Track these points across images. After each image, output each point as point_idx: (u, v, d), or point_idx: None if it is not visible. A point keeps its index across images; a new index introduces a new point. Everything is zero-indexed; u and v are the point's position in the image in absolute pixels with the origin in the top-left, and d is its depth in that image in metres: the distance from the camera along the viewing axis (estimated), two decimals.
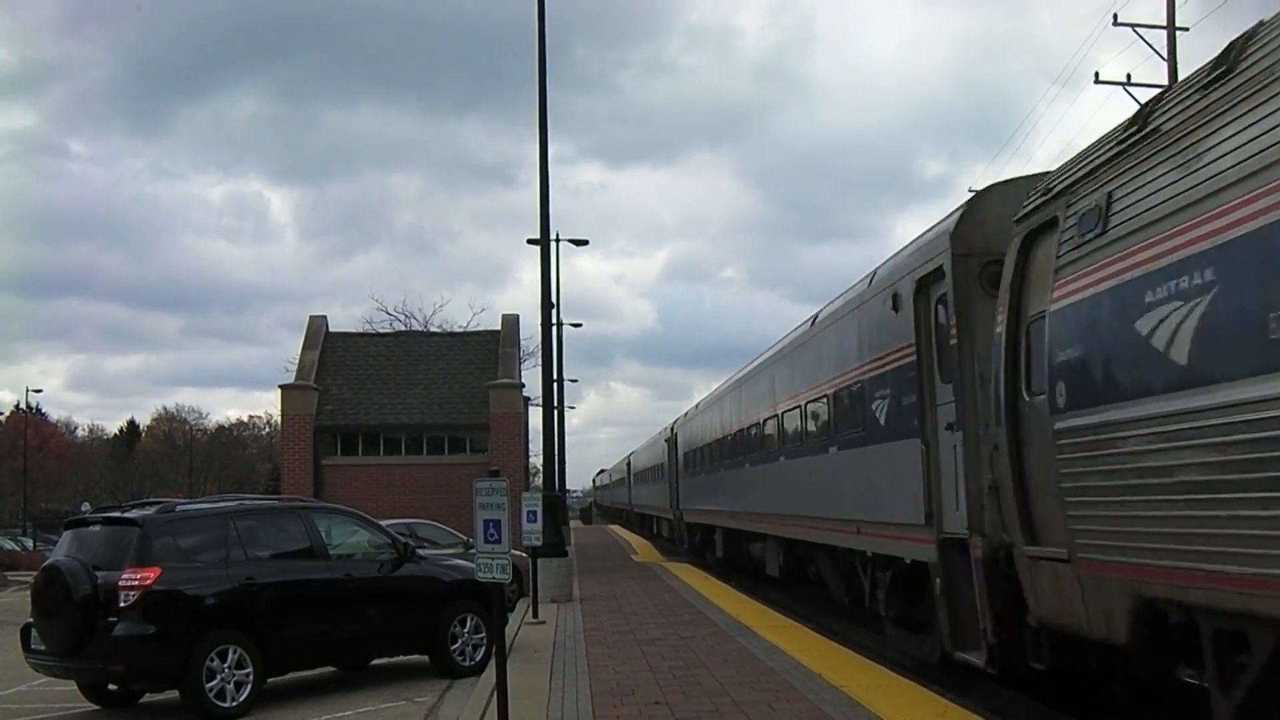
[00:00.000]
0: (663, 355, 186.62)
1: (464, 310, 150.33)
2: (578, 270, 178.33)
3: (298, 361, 35.16)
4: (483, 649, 12.51)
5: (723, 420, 24.44)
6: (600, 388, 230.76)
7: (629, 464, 62.27)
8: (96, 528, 11.26)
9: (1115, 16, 26.19)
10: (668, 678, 10.55)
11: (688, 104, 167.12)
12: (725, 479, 23.87)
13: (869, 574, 12.91)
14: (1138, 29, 26.28)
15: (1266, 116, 5.62)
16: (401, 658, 13.07)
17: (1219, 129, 6.06)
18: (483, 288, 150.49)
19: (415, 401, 33.66)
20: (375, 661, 13.08)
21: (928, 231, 11.22)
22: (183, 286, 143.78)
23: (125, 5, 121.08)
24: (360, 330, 45.23)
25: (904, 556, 11.28)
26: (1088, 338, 7.24)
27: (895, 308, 11.26)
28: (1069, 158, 8.39)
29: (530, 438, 43.05)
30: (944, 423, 10.09)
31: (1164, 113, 6.88)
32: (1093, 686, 9.60)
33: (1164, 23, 25.87)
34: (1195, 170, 6.19)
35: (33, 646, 10.85)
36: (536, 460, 46.47)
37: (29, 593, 11.45)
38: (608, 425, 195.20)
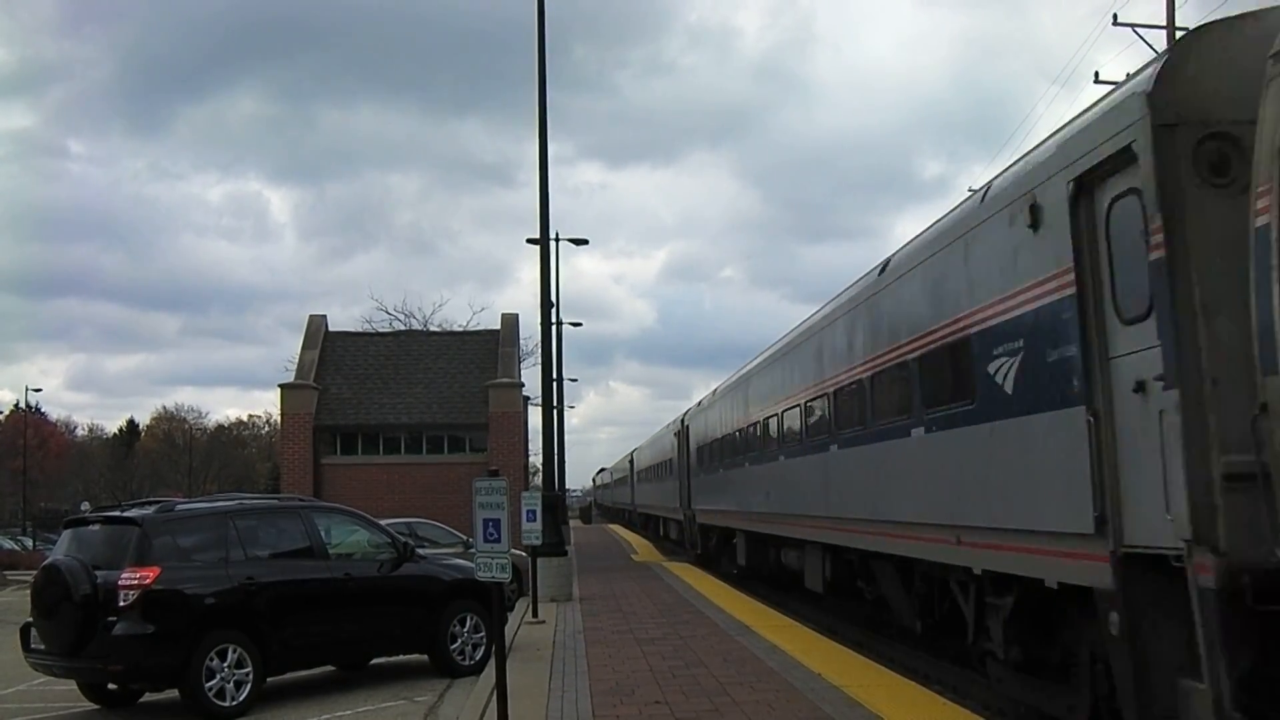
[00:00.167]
0: (662, 355, 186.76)
1: (464, 310, 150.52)
2: (577, 270, 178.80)
3: (297, 361, 35.16)
4: (482, 648, 12.51)
5: (748, 406, 21.08)
6: (600, 387, 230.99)
7: (632, 461, 58.55)
8: (96, 527, 11.26)
9: (1115, 17, 26.20)
10: (667, 677, 10.55)
11: (687, 104, 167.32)
12: (751, 475, 20.45)
13: (972, 598, 9.87)
14: (1137, 29, 26.29)
15: None
16: (401, 657, 13.07)
17: None
18: (482, 287, 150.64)
19: (415, 401, 33.67)
20: (375, 661, 13.08)
21: (1090, 110, 8.09)
22: (182, 286, 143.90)
23: (125, 5, 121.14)
24: (360, 330, 45.27)
25: (1045, 578, 8.18)
26: None
27: (1034, 224, 8.27)
28: None
29: (530, 437, 43.11)
30: (1129, 381, 7.09)
31: None
32: (1089, 685, 9.58)
33: (1164, 23, 25.86)
34: None
35: (32, 646, 10.85)
36: (536, 459, 46.54)
37: (28, 592, 11.46)
38: (607, 425, 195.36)
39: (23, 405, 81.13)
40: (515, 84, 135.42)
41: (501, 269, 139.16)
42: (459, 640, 12.59)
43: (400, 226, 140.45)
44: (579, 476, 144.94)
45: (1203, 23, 7.53)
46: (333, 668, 12.70)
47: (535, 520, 16.19)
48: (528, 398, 39.60)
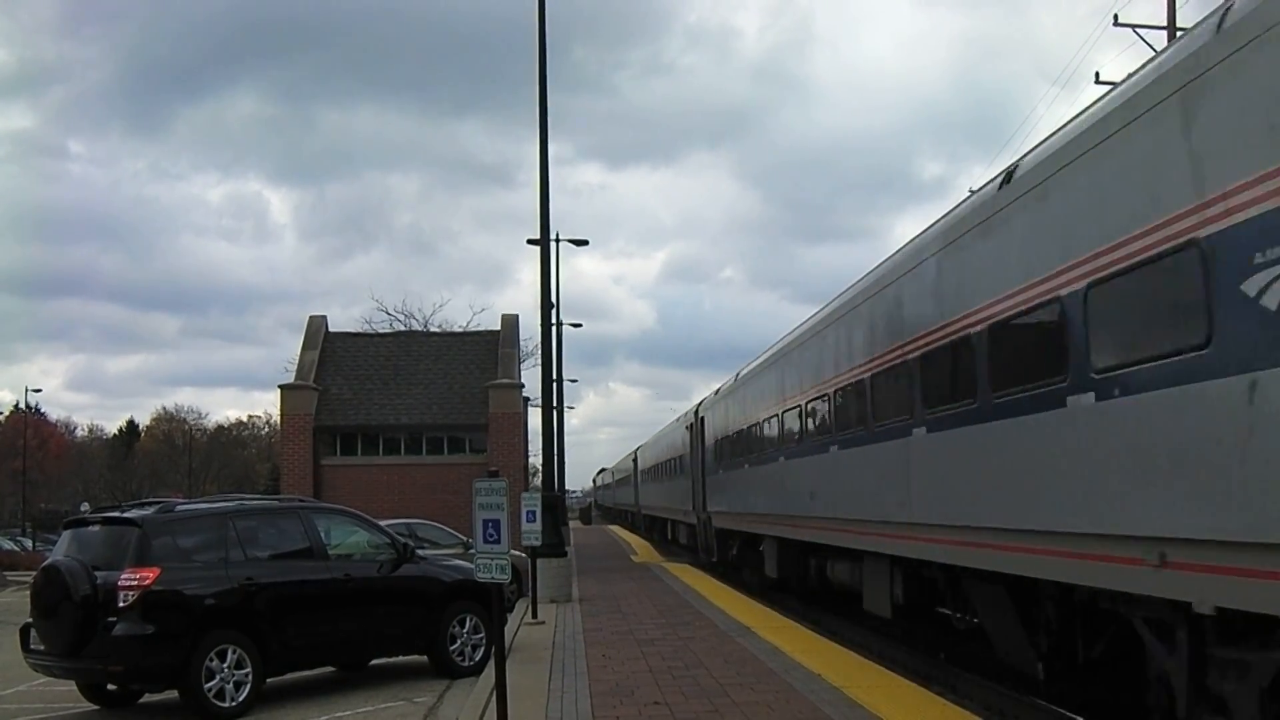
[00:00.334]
0: (662, 356, 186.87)
1: (464, 310, 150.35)
2: (577, 270, 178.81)
3: (297, 362, 35.19)
4: (482, 649, 12.52)
5: (783, 389, 17.78)
6: (600, 388, 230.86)
7: (636, 459, 54.24)
8: (96, 528, 11.26)
9: (1116, 17, 26.16)
10: (667, 678, 10.54)
11: (687, 105, 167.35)
12: (788, 471, 17.21)
13: (1183, 649, 6.82)
14: (1138, 29, 26.28)
15: None
16: (401, 658, 13.07)
17: None
18: (482, 288, 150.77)
19: (415, 402, 33.68)
20: (374, 662, 13.08)
21: None
22: (182, 287, 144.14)
23: (124, 6, 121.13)
24: (360, 330, 45.27)
25: None
26: None
27: None
28: None
29: (530, 438, 43.12)
30: None
31: None
32: (1092, 685, 9.58)
33: (1164, 23, 25.85)
34: None
35: (32, 646, 10.85)
36: (536, 460, 46.59)
37: (28, 593, 11.45)
38: (607, 425, 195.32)
39: (23, 406, 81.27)
40: (515, 84, 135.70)
41: (501, 269, 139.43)
42: (458, 641, 12.59)
43: (400, 227, 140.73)
44: (579, 477, 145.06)
45: None
46: (332, 668, 12.70)
47: (535, 521, 16.20)
48: (528, 398, 39.64)
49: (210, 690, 10.35)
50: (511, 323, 36.65)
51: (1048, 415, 8.02)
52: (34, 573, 12.71)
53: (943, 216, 11.03)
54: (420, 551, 13.54)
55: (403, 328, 53.92)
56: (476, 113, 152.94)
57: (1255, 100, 5.86)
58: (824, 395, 14.97)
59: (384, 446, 33.63)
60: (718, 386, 26.85)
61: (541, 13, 19.38)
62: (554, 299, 26.57)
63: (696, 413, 29.46)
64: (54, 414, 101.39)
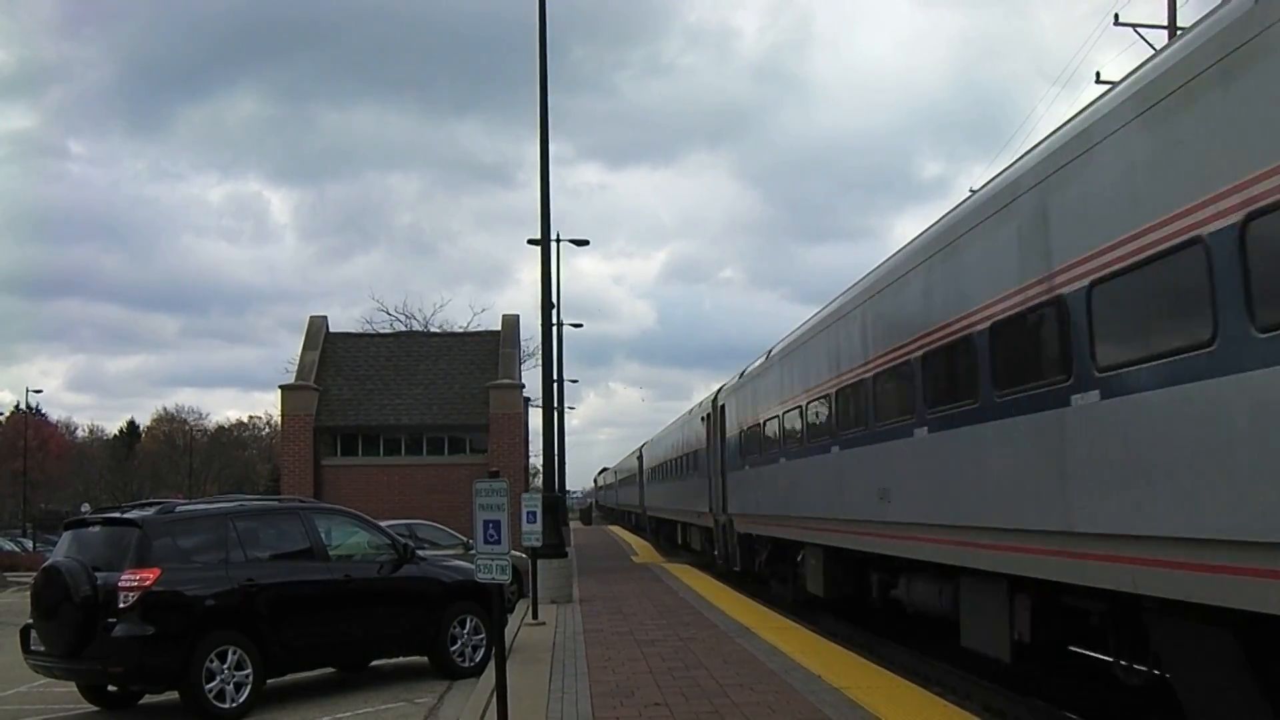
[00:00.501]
0: (662, 356, 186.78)
1: (464, 311, 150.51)
2: (577, 271, 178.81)
3: (298, 362, 35.20)
4: (482, 650, 12.52)
5: (838, 361, 14.06)
6: (600, 388, 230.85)
7: (641, 457, 49.93)
8: (96, 528, 11.26)
9: (1116, 16, 26.19)
10: (667, 679, 10.54)
11: (686, 105, 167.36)
12: (845, 465, 13.65)
13: None
14: (1138, 29, 26.28)
15: None
16: (401, 659, 13.08)
17: None
18: (482, 288, 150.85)
19: (415, 402, 33.69)
20: (375, 662, 13.08)
21: None
22: (182, 287, 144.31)
23: (124, 6, 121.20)
24: (360, 331, 45.28)
25: None
26: None
27: None
28: None
29: (530, 438, 43.11)
30: None
31: None
32: (1091, 685, 9.60)
33: (1164, 23, 25.86)
34: None
35: (32, 648, 10.85)
36: (536, 461, 46.60)
37: (29, 594, 11.45)
38: (607, 426, 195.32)
39: (23, 406, 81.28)
40: (514, 85, 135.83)
41: (501, 270, 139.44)
42: (459, 642, 12.59)
43: (400, 227, 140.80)
44: (579, 478, 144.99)
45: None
46: (333, 669, 12.70)
47: (535, 522, 16.20)
48: (528, 399, 39.63)
49: (211, 691, 10.34)
50: (512, 323, 36.66)
51: None
52: (34, 573, 12.72)
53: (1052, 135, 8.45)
54: (421, 552, 13.54)
55: (403, 328, 53.98)
56: (476, 113, 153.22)
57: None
58: (904, 361, 11.24)
59: (384, 447, 33.64)
60: (742, 369, 22.96)
61: (542, 13, 19.38)
62: (554, 299, 26.60)
63: (715, 401, 25.74)
64: (54, 415, 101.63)
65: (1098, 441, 7.30)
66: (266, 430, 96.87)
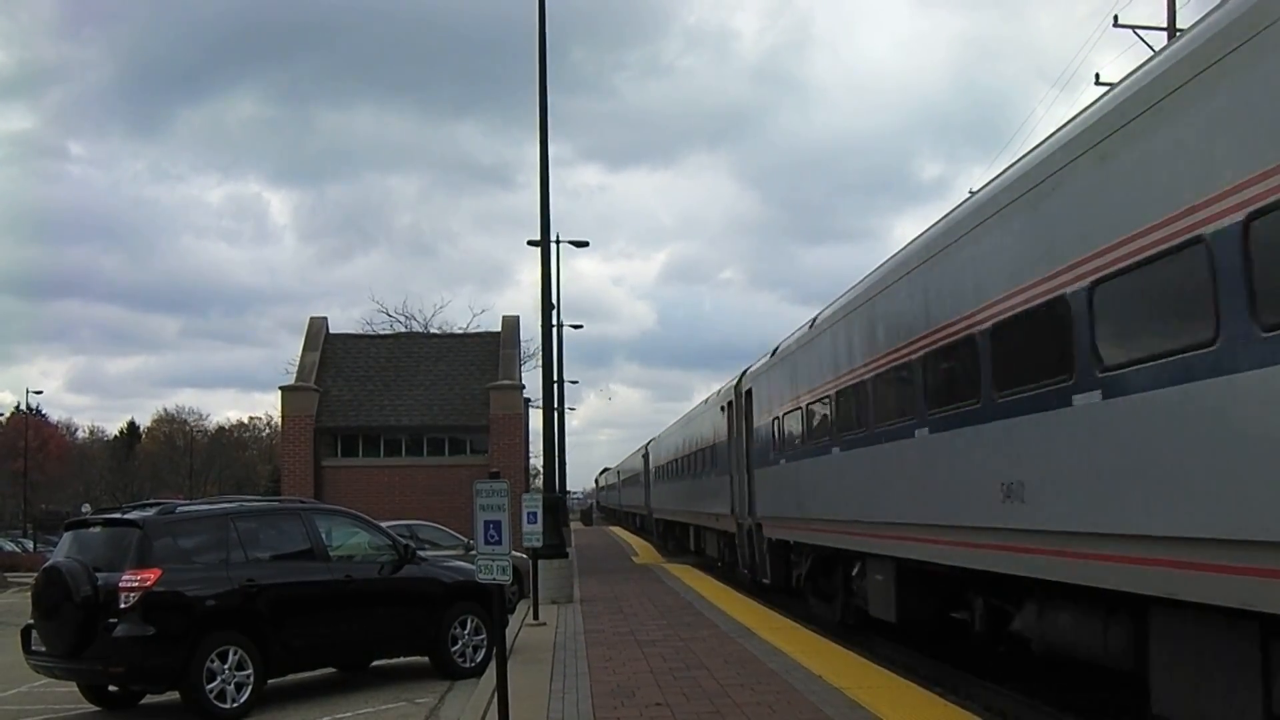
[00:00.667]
0: (662, 357, 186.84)
1: (464, 312, 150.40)
2: (577, 272, 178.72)
3: (298, 363, 35.23)
4: (483, 650, 12.52)
5: (927, 314, 10.66)
6: (600, 389, 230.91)
7: (647, 455, 46.55)
8: (97, 529, 11.26)
9: (1116, 18, 26.17)
10: (668, 679, 10.55)
11: (685, 106, 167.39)
12: (942, 453, 10.26)
13: None
14: (1138, 30, 26.28)
15: None
16: (402, 659, 13.07)
17: None
18: (482, 289, 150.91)
19: (415, 403, 33.71)
20: (376, 663, 13.08)
21: None
22: (182, 288, 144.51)
23: (123, 7, 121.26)
24: (360, 332, 45.30)
25: None
26: None
27: None
28: None
29: (530, 439, 43.12)
30: None
31: None
32: (1090, 685, 9.59)
33: (1164, 24, 25.87)
34: None
35: (33, 648, 10.85)
36: (537, 461, 46.60)
37: (29, 594, 11.45)
38: (607, 427, 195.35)
39: (23, 407, 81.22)
40: (513, 86, 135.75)
41: (501, 270, 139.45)
42: (460, 642, 12.59)
43: (400, 228, 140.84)
44: (580, 478, 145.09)
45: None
46: (333, 669, 12.70)
47: (536, 522, 16.21)
48: (528, 400, 39.64)
49: (211, 691, 10.34)
50: (512, 324, 36.69)
51: None
52: (35, 574, 12.73)
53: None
54: (421, 553, 13.54)
55: (403, 329, 54.02)
56: (475, 114, 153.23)
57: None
58: (1045, 301, 7.94)
59: (385, 448, 33.66)
60: (775, 346, 19.31)
61: (542, 14, 19.39)
62: (554, 300, 26.62)
63: (738, 387, 22.02)
64: (54, 415, 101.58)
65: None
66: (267, 431, 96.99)
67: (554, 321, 27.78)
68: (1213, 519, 5.94)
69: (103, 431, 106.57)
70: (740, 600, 18.39)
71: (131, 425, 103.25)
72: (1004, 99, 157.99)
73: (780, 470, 17.72)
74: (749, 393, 20.80)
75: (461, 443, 33.81)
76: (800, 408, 16.23)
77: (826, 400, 14.53)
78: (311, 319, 36.06)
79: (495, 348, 35.36)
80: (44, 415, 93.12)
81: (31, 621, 10.93)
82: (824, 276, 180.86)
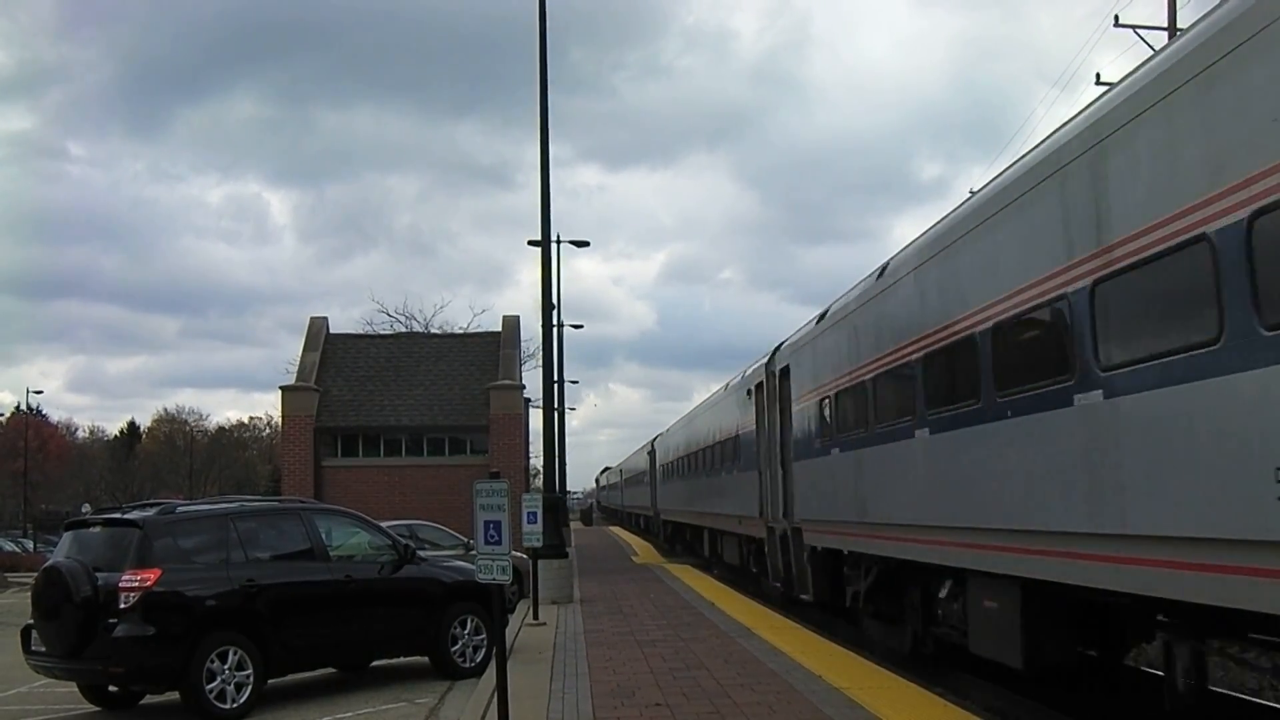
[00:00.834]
0: (662, 357, 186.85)
1: (464, 312, 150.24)
2: (577, 272, 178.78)
3: (298, 363, 35.25)
4: (483, 650, 12.51)
5: (1098, 233, 7.19)
6: (600, 389, 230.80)
7: (653, 452, 43.44)
8: (97, 529, 11.26)
9: (1116, 18, 26.19)
10: (668, 679, 10.54)
11: (685, 106, 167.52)
12: (1102, 431, 7.16)
13: None
14: (1138, 30, 26.29)
15: None
16: (402, 659, 13.07)
17: None
18: (482, 289, 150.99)
19: (415, 403, 33.71)
20: (376, 663, 13.07)
21: None
22: (182, 288, 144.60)
23: (123, 7, 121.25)
24: (360, 332, 45.30)
25: None
26: None
27: None
28: None
29: (530, 439, 43.12)
30: None
31: None
32: (1090, 685, 9.58)
33: (1164, 24, 25.87)
34: None
35: (33, 648, 10.84)
36: (537, 461, 46.61)
37: (29, 594, 11.45)
38: (607, 427, 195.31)
39: (23, 407, 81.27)
40: (513, 86, 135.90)
41: (501, 271, 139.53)
42: (460, 642, 12.59)
43: (400, 228, 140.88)
44: (580, 478, 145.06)
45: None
46: (333, 670, 12.70)
47: (536, 522, 16.19)
48: (529, 400, 39.64)
49: (211, 691, 10.33)
50: (512, 324, 36.69)
51: None
52: (35, 574, 12.72)
53: None
54: (421, 553, 13.53)
55: (403, 329, 54.03)
56: (474, 114, 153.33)
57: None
58: None
59: (385, 448, 33.66)
60: (819, 312, 15.97)
61: (542, 14, 19.37)
62: (554, 300, 26.61)
63: (769, 366, 18.87)
64: (54, 415, 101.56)
65: None
66: (267, 431, 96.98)
67: (554, 321, 27.80)
68: None
69: (103, 431, 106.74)
70: (740, 600, 18.39)
71: (131, 425, 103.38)
72: (1004, 99, 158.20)
73: (831, 462, 14.37)
74: (784, 371, 17.49)
75: (461, 443, 33.81)
76: (862, 382, 12.91)
77: (910, 368, 11.09)
78: (311, 319, 36.09)
79: (495, 348, 35.36)
80: (44, 415, 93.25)
81: (31, 622, 10.92)
82: (824, 277, 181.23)
